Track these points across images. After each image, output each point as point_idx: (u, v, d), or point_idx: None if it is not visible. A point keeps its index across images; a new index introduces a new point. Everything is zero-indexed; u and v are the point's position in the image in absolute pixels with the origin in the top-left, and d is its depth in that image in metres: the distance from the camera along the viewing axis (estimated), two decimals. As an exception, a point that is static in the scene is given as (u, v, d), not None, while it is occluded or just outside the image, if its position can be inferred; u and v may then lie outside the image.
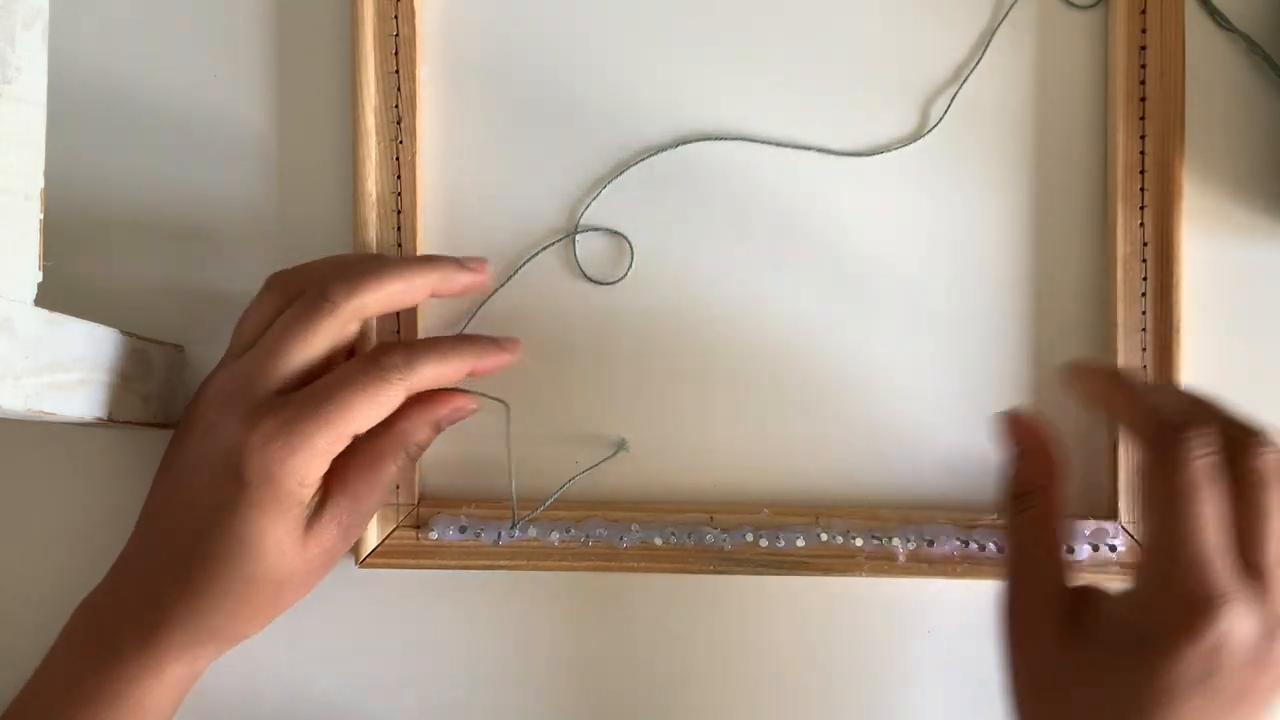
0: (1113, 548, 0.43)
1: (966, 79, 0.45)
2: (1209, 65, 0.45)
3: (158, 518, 0.40)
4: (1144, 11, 0.44)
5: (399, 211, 0.45)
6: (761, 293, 0.46)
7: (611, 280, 0.46)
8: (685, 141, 0.46)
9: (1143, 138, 0.44)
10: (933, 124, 0.46)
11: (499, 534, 0.44)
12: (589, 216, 0.46)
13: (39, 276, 0.37)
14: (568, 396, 0.45)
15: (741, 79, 0.46)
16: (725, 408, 0.45)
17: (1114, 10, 0.44)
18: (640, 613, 0.45)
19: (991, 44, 0.45)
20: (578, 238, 0.46)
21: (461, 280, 0.42)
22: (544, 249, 0.46)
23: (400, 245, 0.44)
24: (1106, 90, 0.45)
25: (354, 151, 0.44)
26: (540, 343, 0.46)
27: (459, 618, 0.45)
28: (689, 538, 0.44)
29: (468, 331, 0.45)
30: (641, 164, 0.46)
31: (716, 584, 0.44)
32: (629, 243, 0.46)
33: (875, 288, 0.45)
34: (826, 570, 0.44)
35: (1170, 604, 0.34)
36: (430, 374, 0.39)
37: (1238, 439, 0.35)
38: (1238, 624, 0.33)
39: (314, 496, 0.39)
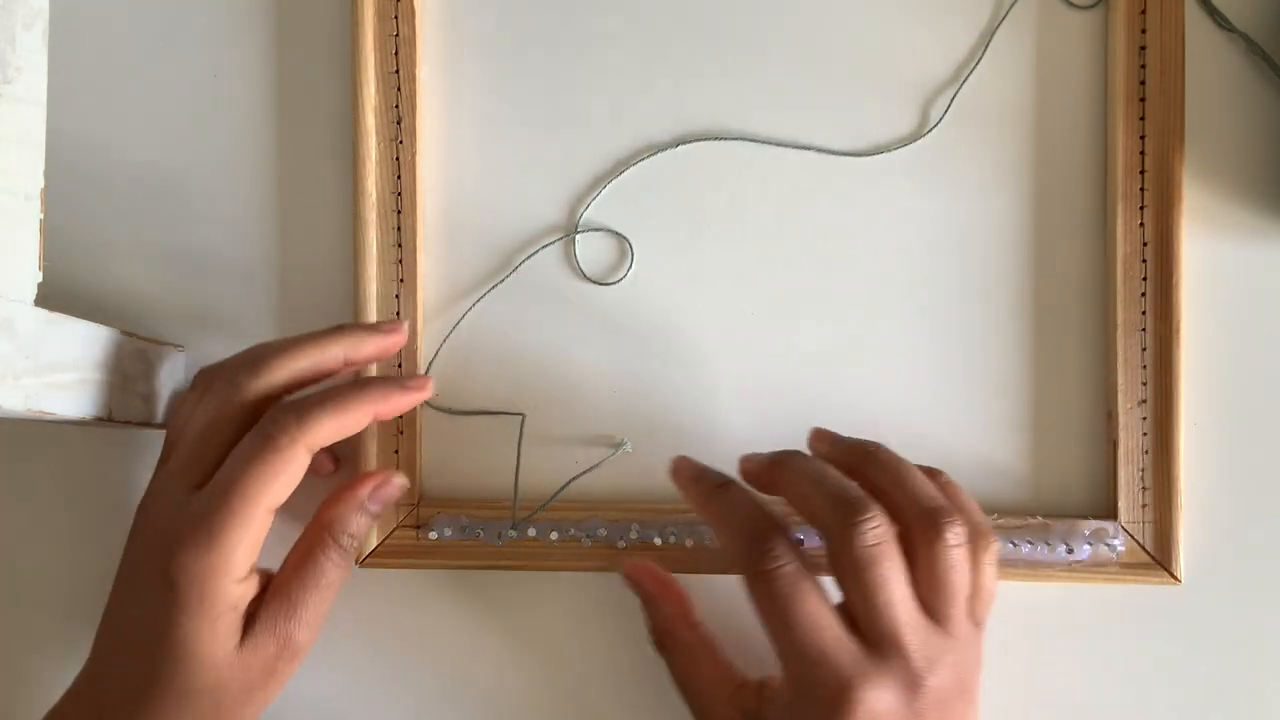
0: (1112, 547, 0.43)
1: (966, 79, 0.45)
2: (1209, 65, 0.45)
3: (108, 631, 0.39)
4: (1144, 12, 0.44)
5: (399, 212, 0.45)
6: (761, 292, 0.45)
7: (611, 280, 0.46)
8: (685, 141, 0.46)
9: (1142, 138, 0.44)
10: (933, 124, 0.46)
11: (499, 534, 0.44)
12: (589, 216, 0.46)
13: (39, 276, 0.37)
14: (568, 397, 0.45)
15: (741, 79, 0.46)
16: (725, 407, 0.45)
17: (1114, 10, 0.44)
18: (640, 612, 0.45)
19: (991, 44, 0.45)
20: (577, 238, 0.46)
21: (371, 345, 0.40)
22: (543, 247, 0.46)
23: (400, 245, 0.44)
24: (1106, 90, 0.45)
25: (354, 152, 0.44)
26: (540, 343, 0.46)
27: (459, 617, 0.45)
28: (688, 537, 0.44)
29: (462, 332, 0.45)
30: (641, 164, 0.46)
31: (716, 583, 0.44)
32: (629, 243, 0.46)
33: (875, 287, 0.45)
34: (826, 570, 0.43)
35: (811, 705, 0.36)
36: (328, 427, 0.37)
37: (831, 525, 0.37)
38: (875, 698, 0.35)
39: (249, 602, 0.38)
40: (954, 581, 0.37)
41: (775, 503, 0.40)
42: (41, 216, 0.37)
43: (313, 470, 0.39)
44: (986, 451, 0.45)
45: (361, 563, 0.44)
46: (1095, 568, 0.43)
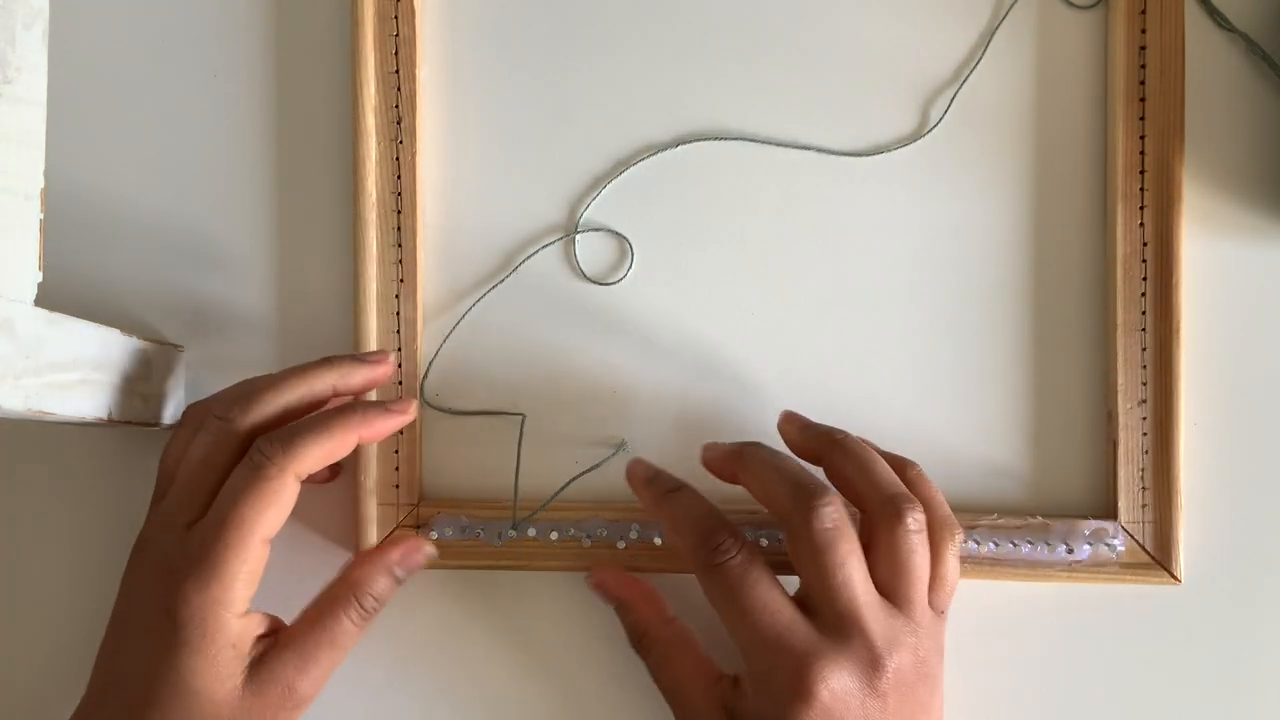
0: (1112, 547, 0.43)
1: (966, 79, 0.45)
2: (1209, 65, 0.45)
3: (107, 665, 0.39)
4: (1144, 11, 0.44)
5: (399, 212, 0.45)
6: (761, 292, 0.45)
7: (611, 280, 0.46)
8: (685, 141, 0.46)
9: (1142, 137, 0.44)
10: (933, 124, 0.46)
11: (499, 534, 0.44)
12: (588, 217, 0.46)
13: (39, 276, 0.37)
14: (568, 397, 0.45)
15: (741, 79, 0.46)
16: (726, 407, 0.45)
17: (1114, 10, 0.44)
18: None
19: (991, 44, 0.45)
20: (577, 238, 0.46)
21: (359, 376, 0.41)
22: (543, 247, 0.46)
23: (400, 245, 0.44)
24: (1106, 90, 0.45)
25: (354, 152, 0.44)
26: (540, 343, 0.46)
27: (459, 617, 0.45)
28: None
29: (462, 332, 0.45)
30: (641, 164, 0.46)
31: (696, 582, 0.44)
32: (629, 243, 0.46)
33: (875, 287, 0.45)
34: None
35: (774, 690, 0.37)
36: (314, 454, 0.38)
37: (789, 510, 0.38)
38: (835, 676, 0.36)
39: (258, 645, 0.38)
40: (914, 566, 0.38)
41: (734, 497, 0.41)
42: (41, 216, 0.37)
43: (312, 480, 0.39)
44: (987, 451, 0.45)
45: None
46: (1095, 568, 0.43)
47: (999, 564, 0.43)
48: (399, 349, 0.45)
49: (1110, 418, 0.44)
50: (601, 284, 0.46)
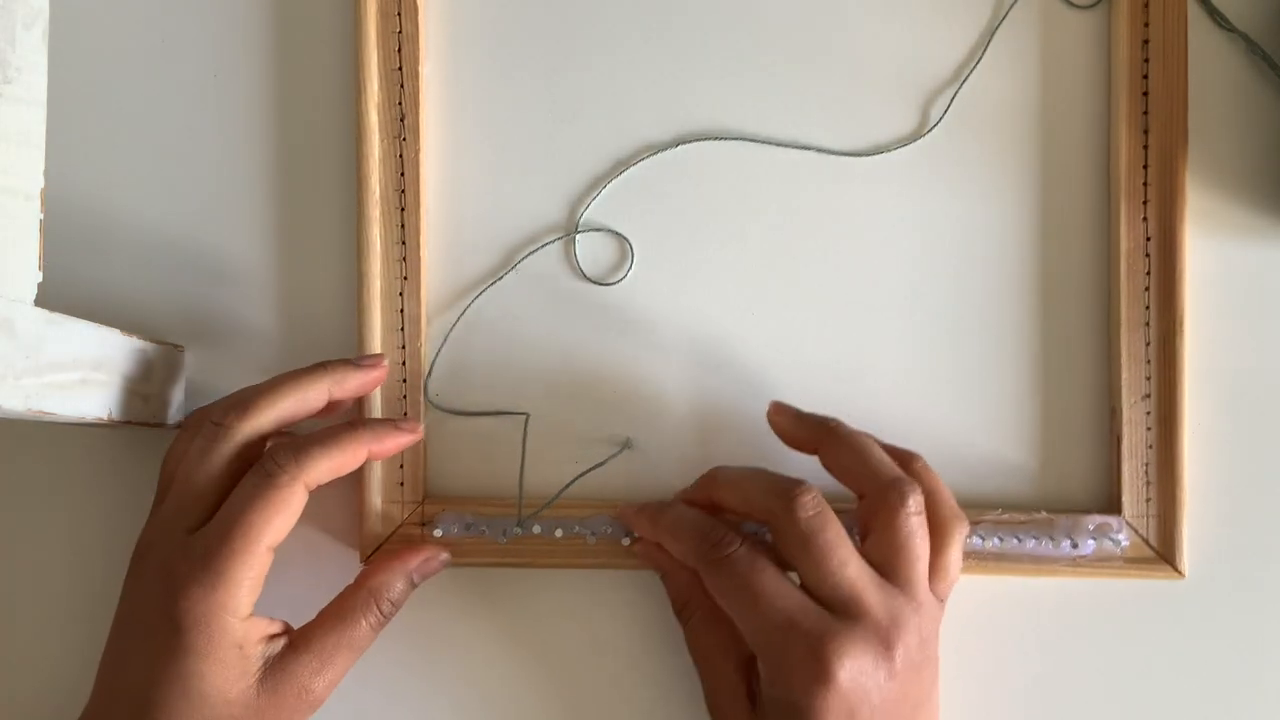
0: (1116, 542, 0.43)
1: (967, 78, 0.45)
2: (1209, 65, 0.45)
3: (112, 674, 0.39)
4: (1146, 5, 0.44)
5: (403, 209, 0.44)
6: (761, 291, 0.45)
7: (612, 281, 0.46)
8: (685, 141, 0.46)
9: (1145, 132, 0.44)
10: (933, 124, 0.46)
11: (504, 531, 0.44)
12: (588, 216, 0.46)
13: (39, 276, 0.37)
14: (571, 397, 0.45)
15: (741, 79, 0.46)
16: (726, 407, 0.45)
17: (1116, 9, 0.44)
18: (645, 609, 0.45)
19: (992, 44, 0.45)
20: (578, 238, 0.46)
21: (353, 382, 0.41)
22: (544, 245, 0.46)
23: (404, 243, 0.44)
24: (1109, 89, 0.45)
25: (357, 149, 0.44)
26: (542, 344, 0.45)
27: (464, 615, 0.45)
28: None
29: (465, 331, 0.45)
30: (641, 163, 0.46)
31: None
32: (629, 244, 0.46)
33: (875, 287, 0.45)
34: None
35: (791, 676, 0.37)
36: (325, 466, 0.38)
37: (771, 509, 0.38)
38: (850, 655, 0.36)
39: (268, 645, 0.38)
40: (914, 547, 0.38)
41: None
42: (41, 216, 0.37)
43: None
44: (991, 447, 0.45)
45: (366, 560, 0.44)
46: (1099, 563, 0.43)
47: (1004, 559, 0.43)
48: (403, 346, 0.44)
49: (1114, 413, 0.44)
50: (602, 284, 0.46)
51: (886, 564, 0.38)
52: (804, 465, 0.42)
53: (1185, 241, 0.44)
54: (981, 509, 0.44)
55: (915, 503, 0.38)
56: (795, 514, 0.38)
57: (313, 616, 0.40)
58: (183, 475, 0.39)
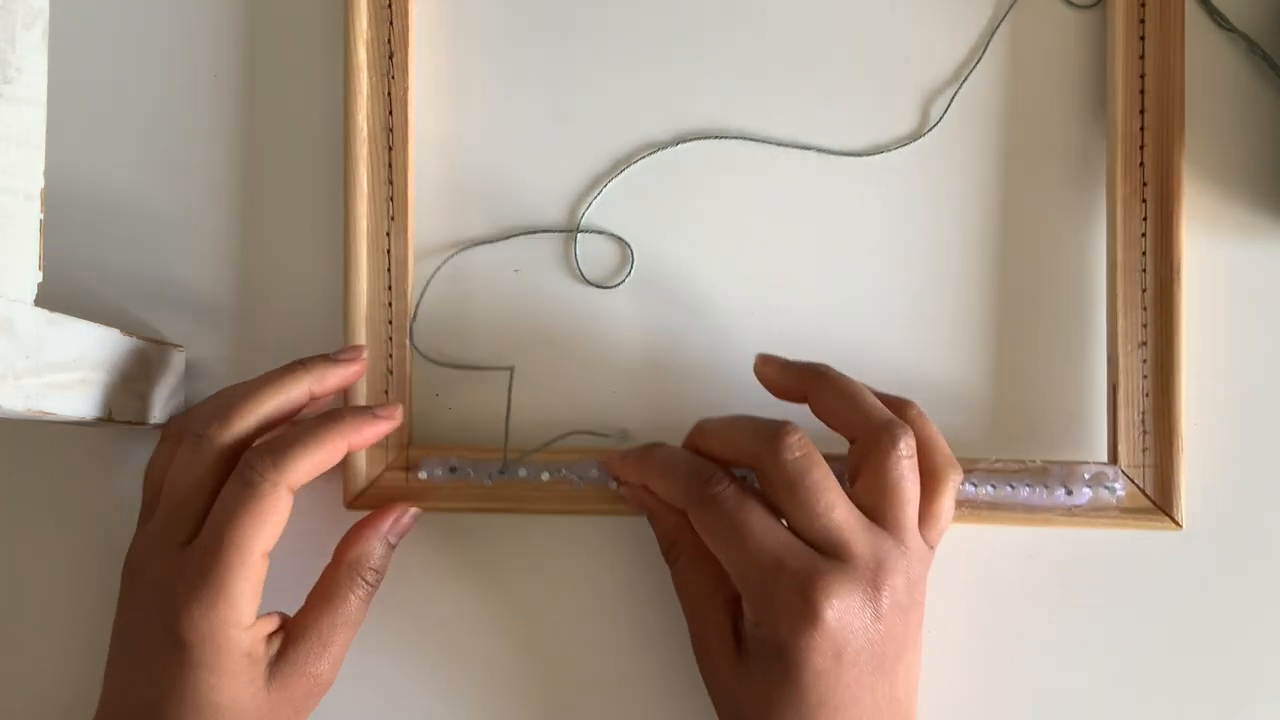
0: (1112, 490, 0.43)
1: (966, 79, 0.45)
2: (1209, 65, 0.45)
3: (118, 695, 0.39)
4: (1143, 3, 0.44)
5: (390, 148, 0.44)
6: (760, 290, 0.46)
7: (612, 284, 0.46)
8: (684, 140, 0.46)
9: (1142, 130, 0.44)
10: (933, 124, 0.46)
11: (489, 474, 0.43)
12: (589, 216, 0.46)
13: (39, 276, 0.37)
14: (569, 397, 0.45)
15: (742, 78, 0.46)
16: (727, 407, 0.45)
17: (1113, 9, 0.44)
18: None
19: (991, 44, 0.45)
20: (578, 237, 0.46)
21: (334, 379, 0.41)
22: (542, 233, 0.46)
23: (392, 183, 0.44)
24: (1106, 89, 0.45)
25: (345, 85, 0.44)
26: (540, 342, 0.46)
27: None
28: None
29: (455, 276, 0.45)
30: (641, 162, 0.46)
31: None
32: (629, 246, 0.46)
33: (874, 287, 0.45)
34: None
35: (778, 615, 0.37)
36: (304, 466, 0.38)
37: (758, 452, 0.38)
38: (837, 594, 0.36)
39: (270, 644, 0.38)
40: (904, 490, 0.38)
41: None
42: (41, 216, 0.37)
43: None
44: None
45: (350, 505, 0.44)
46: (1094, 512, 0.43)
47: (997, 508, 0.43)
48: (389, 287, 0.44)
49: (1110, 361, 0.44)
50: (602, 287, 0.46)
51: (876, 507, 0.38)
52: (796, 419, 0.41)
53: (1183, 243, 0.43)
54: (971, 459, 0.43)
55: (906, 446, 0.38)
56: (781, 455, 0.37)
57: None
58: (169, 489, 0.38)
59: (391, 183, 0.44)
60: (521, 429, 0.45)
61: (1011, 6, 0.45)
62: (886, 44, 0.46)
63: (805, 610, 0.36)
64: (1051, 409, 0.45)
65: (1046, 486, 0.43)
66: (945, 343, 0.45)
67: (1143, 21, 0.44)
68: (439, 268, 0.45)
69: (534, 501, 0.44)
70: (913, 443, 0.38)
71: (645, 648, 0.45)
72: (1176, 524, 0.43)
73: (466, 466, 0.44)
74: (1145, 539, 0.44)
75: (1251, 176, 0.45)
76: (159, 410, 0.43)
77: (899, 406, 0.40)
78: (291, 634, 0.39)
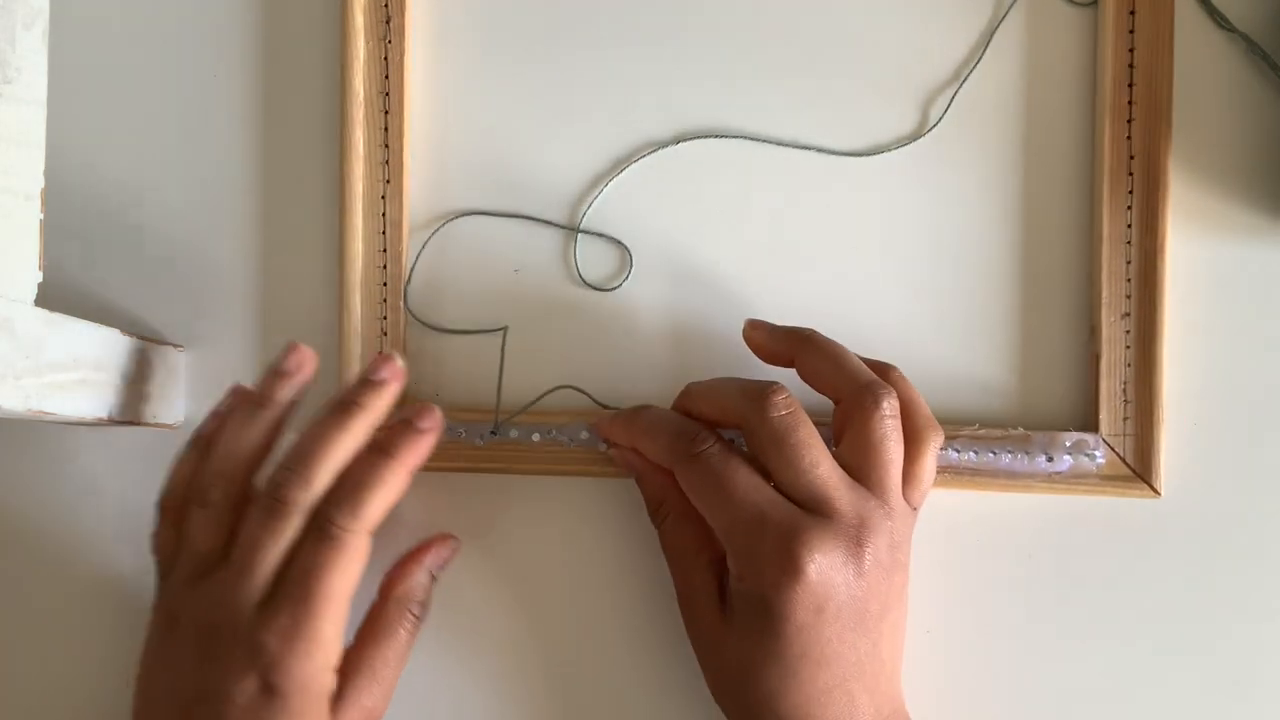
0: (1093, 458, 0.43)
1: (966, 78, 0.45)
2: (1208, 65, 0.45)
3: None
4: (1133, 12, 0.44)
5: (386, 112, 0.45)
6: (760, 290, 0.46)
7: (610, 286, 0.46)
8: (684, 139, 0.46)
9: (1130, 121, 0.44)
10: (933, 124, 0.46)
11: (480, 435, 0.44)
12: (589, 215, 0.46)
13: (39, 276, 0.37)
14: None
15: (742, 78, 0.46)
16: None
17: (1103, 8, 0.44)
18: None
19: (991, 44, 0.45)
20: (582, 225, 0.46)
21: (383, 401, 0.40)
22: (545, 223, 0.46)
23: (387, 146, 0.44)
24: (1096, 73, 0.45)
25: (341, 50, 0.44)
26: (538, 342, 0.46)
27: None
28: None
29: (451, 242, 0.46)
30: (640, 161, 0.46)
31: None
32: (628, 250, 0.46)
33: (874, 287, 0.45)
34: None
35: (759, 568, 0.37)
36: (380, 508, 0.39)
37: (744, 411, 0.39)
38: (820, 549, 0.36)
39: (333, 681, 0.39)
40: (888, 449, 0.38)
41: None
42: (41, 216, 0.37)
43: None
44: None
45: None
46: (1075, 479, 0.43)
47: (979, 473, 0.43)
48: (384, 250, 0.45)
49: (1093, 331, 0.44)
50: (602, 289, 0.46)
51: (859, 467, 0.38)
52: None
53: (1167, 239, 0.43)
54: (958, 424, 0.44)
55: (890, 406, 0.38)
56: (767, 414, 0.38)
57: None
58: (246, 551, 0.38)
59: (387, 146, 0.45)
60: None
61: (1011, 6, 0.45)
62: (886, 44, 0.46)
63: (788, 564, 0.36)
64: (1053, 408, 0.45)
65: (1028, 454, 0.43)
66: (945, 342, 0.45)
67: (1133, 14, 0.44)
68: (436, 230, 0.46)
69: (525, 462, 0.44)
70: (895, 404, 0.39)
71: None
72: (1155, 492, 0.44)
73: (459, 427, 0.44)
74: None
75: (1250, 174, 0.45)
76: (159, 410, 0.43)
77: (882, 370, 0.41)
78: (346, 670, 0.39)
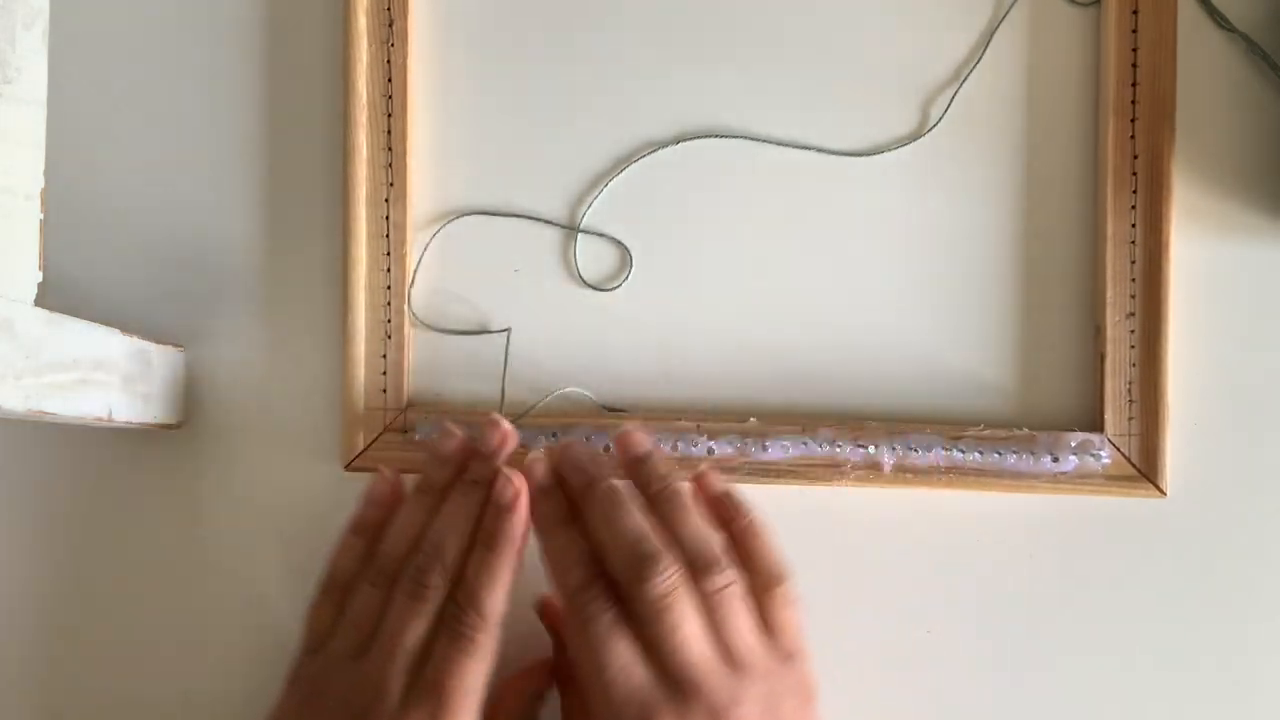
0: (1098, 458, 0.43)
1: (966, 78, 0.45)
2: (1208, 65, 0.45)
3: None
4: (1136, 10, 0.44)
5: (389, 115, 0.45)
6: (759, 289, 0.46)
7: (611, 286, 0.46)
8: (685, 139, 0.46)
9: (1133, 121, 0.44)
10: (933, 124, 0.46)
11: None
12: (589, 217, 0.46)
13: (39, 276, 0.37)
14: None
15: (742, 78, 0.46)
16: (725, 407, 0.45)
17: (1106, 8, 0.44)
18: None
19: (991, 43, 0.45)
20: (582, 226, 0.46)
21: (493, 469, 0.41)
22: (545, 223, 0.46)
23: (390, 149, 0.45)
24: (1097, 87, 0.45)
25: (344, 54, 0.44)
26: (536, 341, 0.46)
27: None
28: (675, 445, 0.44)
29: (453, 243, 0.46)
30: (640, 161, 0.46)
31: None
32: (628, 249, 0.46)
33: (874, 287, 0.45)
34: (812, 479, 0.44)
35: None
36: (502, 598, 0.40)
37: (628, 576, 0.38)
38: None
39: None
40: (731, 622, 0.39)
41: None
42: (41, 216, 0.37)
43: None
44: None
45: (349, 467, 0.44)
46: (1081, 480, 0.44)
47: (984, 474, 0.43)
48: (387, 253, 0.45)
49: (1098, 331, 0.44)
50: (601, 289, 0.46)
51: (718, 639, 0.39)
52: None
53: (1171, 237, 0.44)
54: (962, 425, 0.44)
55: (721, 577, 0.39)
56: (645, 592, 0.38)
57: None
58: (392, 637, 0.39)
59: (390, 148, 0.45)
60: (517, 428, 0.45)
61: (1012, 6, 0.45)
62: (886, 44, 0.46)
63: None
64: (1058, 408, 0.45)
65: (1033, 454, 0.44)
66: (948, 342, 0.45)
67: (1136, 14, 0.44)
68: (437, 230, 0.46)
69: None
70: (728, 574, 0.39)
71: None
72: (1161, 491, 0.44)
73: (463, 430, 0.44)
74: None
75: (1250, 173, 0.45)
76: (159, 410, 0.43)
77: (729, 516, 0.41)
78: None
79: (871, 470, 0.44)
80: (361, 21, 0.44)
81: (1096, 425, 0.44)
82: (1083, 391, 0.45)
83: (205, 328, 0.46)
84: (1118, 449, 0.44)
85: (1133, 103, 0.44)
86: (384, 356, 0.45)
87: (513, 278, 0.46)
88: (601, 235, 0.46)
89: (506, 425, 0.41)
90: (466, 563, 0.40)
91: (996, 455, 0.44)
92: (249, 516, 0.45)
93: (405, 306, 0.45)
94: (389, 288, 0.45)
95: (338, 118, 0.45)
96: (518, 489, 0.40)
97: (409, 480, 0.42)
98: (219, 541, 0.45)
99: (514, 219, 0.46)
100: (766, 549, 0.41)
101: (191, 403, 0.45)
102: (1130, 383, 0.44)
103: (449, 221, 0.46)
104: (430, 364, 0.46)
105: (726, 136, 0.46)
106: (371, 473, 0.43)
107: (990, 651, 0.45)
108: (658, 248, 0.46)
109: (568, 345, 0.46)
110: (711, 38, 0.46)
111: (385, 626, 0.39)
